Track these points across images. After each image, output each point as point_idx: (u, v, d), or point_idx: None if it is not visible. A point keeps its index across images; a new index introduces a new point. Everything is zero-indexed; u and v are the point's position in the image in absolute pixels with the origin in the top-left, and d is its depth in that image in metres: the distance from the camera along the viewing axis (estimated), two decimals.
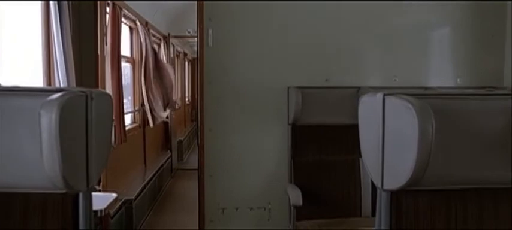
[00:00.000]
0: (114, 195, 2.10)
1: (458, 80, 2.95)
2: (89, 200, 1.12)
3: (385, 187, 1.06)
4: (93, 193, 1.18)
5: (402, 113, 0.97)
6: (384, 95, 1.04)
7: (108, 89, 3.45)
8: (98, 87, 2.64)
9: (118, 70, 3.59)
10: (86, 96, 1.07)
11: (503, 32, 2.95)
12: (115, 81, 3.54)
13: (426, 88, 2.80)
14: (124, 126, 3.77)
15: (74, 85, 2.41)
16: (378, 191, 1.11)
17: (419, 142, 0.92)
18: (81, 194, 1.11)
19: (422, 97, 1.00)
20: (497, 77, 2.95)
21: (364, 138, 1.20)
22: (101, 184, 2.31)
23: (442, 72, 2.97)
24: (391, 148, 1.03)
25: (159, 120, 4.94)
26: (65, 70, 2.28)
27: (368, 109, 1.16)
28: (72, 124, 1.01)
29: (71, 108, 0.99)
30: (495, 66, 2.97)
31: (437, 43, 2.99)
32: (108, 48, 3.40)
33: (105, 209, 1.98)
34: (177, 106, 6.08)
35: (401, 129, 0.99)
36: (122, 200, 3.48)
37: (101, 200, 2.04)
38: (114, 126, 3.43)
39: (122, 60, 4.17)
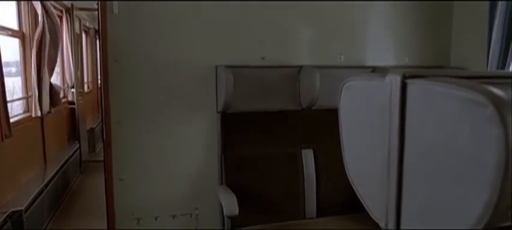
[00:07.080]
0: None
1: (407, 59, 2.70)
2: None
3: None
4: None
5: (451, 110, 0.52)
6: (404, 78, 0.58)
7: None
8: None
9: None
10: None
11: (451, 10, 2.77)
12: None
13: (374, 68, 2.47)
14: (8, 118, 2.96)
15: None
16: None
17: (502, 163, 0.48)
18: None
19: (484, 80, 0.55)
20: (445, 57, 2.76)
21: (353, 147, 0.73)
22: None
23: (388, 51, 2.70)
24: (422, 171, 0.58)
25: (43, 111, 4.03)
26: None
27: (361, 100, 0.69)
28: None
29: None
30: (443, 45, 2.78)
31: (382, 21, 2.69)
32: None
33: None
34: (64, 100, 5.14)
35: (445, 137, 0.54)
36: (7, 213, 2.74)
37: None
38: None
39: (4, 33, 3.31)
